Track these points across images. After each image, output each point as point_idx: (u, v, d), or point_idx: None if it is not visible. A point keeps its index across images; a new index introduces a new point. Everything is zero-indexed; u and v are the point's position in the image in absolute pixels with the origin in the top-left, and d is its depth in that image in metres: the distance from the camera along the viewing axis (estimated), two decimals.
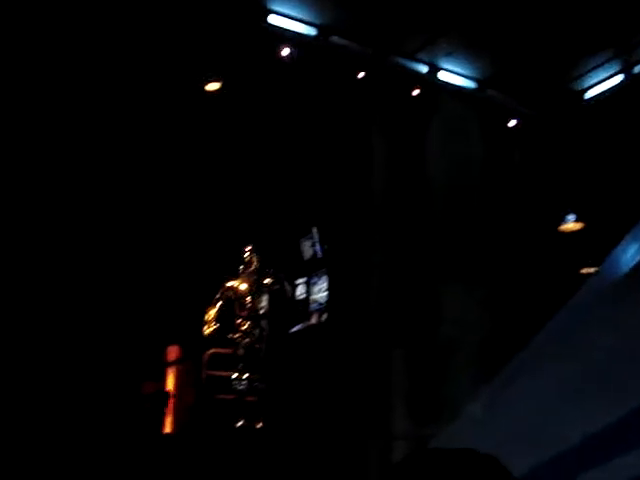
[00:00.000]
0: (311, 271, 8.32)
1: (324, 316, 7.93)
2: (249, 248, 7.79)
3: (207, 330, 7.76)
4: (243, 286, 7.80)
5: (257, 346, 7.83)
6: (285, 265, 8.36)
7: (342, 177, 7.99)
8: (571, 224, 8.80)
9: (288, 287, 8.07)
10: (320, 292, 8.14)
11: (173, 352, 10.20)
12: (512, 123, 8.75)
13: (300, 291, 8.39)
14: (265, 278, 7.84)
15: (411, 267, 7.65)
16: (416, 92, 8.08)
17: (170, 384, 9.97)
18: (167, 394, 9.73)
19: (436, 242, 7.75)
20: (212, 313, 7.80)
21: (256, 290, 7.84)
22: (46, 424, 7.99)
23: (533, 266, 8.16)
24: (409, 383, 7.51)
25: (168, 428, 9.11)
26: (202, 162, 8.18)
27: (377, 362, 7.50)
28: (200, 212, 8.59)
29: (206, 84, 7.79)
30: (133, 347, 9.55)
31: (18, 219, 8.31)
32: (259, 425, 7.73)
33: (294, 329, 8.25)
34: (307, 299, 8.31)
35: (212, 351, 8.07)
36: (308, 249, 8.33)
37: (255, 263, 7.74)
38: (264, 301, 7.90)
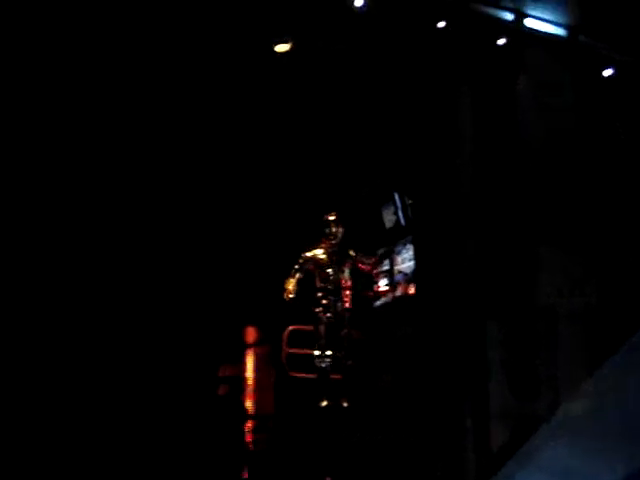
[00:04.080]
0: (394, 240, 7.80)
1: (411, 287, 7.38)
2: (332, 217, 7.30)
3: (286, 297, 7.29)
4: (324, 257, 7.32)
5: (339, 321, 7.35)
6: (366, 235, 7.87)
7: (426, 137, 7.40)
8: None
9: (365, 260, 7.56)
10: (405, 262, 7.60)
11: (251, 334, 9.84)
12: (607, 72, 8.01)
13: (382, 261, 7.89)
14: (348, 250, 7.37)
15: (506, 231, 7.03)
16: (502, 41, 7.43)
17: (249, 367, 9.61)
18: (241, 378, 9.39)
19: (532, 203, 7.09)
20: (291, 284, 7.34)
21: (338, 261, 7.35)
22: (122, 405, 7.75)
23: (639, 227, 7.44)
24: (507, 357, 6.90)
25: (249, 410, 8.76)
26: (279, 127, 7.77)
27: (471, 335, 6.91)
28: (277, 178, 8.19)
29: (276, 45, 7.33)
30: (210, 329, 9.23)
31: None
32: (345, 404, 7.27)
33: (378, 302, 7.75)
34: (391, 270, 7.79)
35: (291, 328, 7.64)
36: (390, 217, 7.80)
37: (339, 233, 7.26)
38: (346, 273, 7.40)
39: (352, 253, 7.33)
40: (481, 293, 6.95)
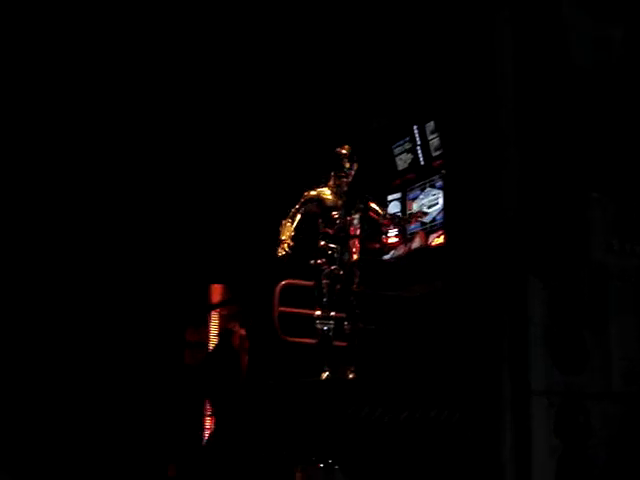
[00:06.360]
0: (409, 183, 6.58)
1: (432, 237, 6.19)
2: (345, 150, 5.99)
3: (280, 252, 5.91)
4: (332, 197, 6.03)
5: (347, 275, 6.08)
6: (376, 177, 6.65)
7: (459, 67, 6.22)
8: None
9: (376, 207, 6.31)
10: (422, 209, 6.41)
11: (217, 291, 8.46)
12: None
13: (393, 210, 6.66)
14: (359, 193, 6.11)
15: (553, 172, 5.94)
16: None
17: (212, 330, 8.27)
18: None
19: (584, 142, 6.03)
20: (287, 232, 5.98)
21: (347, 204, 6.07)
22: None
23: None
24: (551, 321, 5.82)
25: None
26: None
27: (509, 296, 5.80)
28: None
29: None
30: (170, 288, 7.94)
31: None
32: (351, 376, 6.03)
33: (388, 255, 6.52)
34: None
35: (286, 282, 6.31)
36: (404, 156, 6.57)
37: (353, 169, 5.96)
38: (356, 220, 6.13)
39: (370, 204, 6.06)
40: (523, 244, 5.84)
